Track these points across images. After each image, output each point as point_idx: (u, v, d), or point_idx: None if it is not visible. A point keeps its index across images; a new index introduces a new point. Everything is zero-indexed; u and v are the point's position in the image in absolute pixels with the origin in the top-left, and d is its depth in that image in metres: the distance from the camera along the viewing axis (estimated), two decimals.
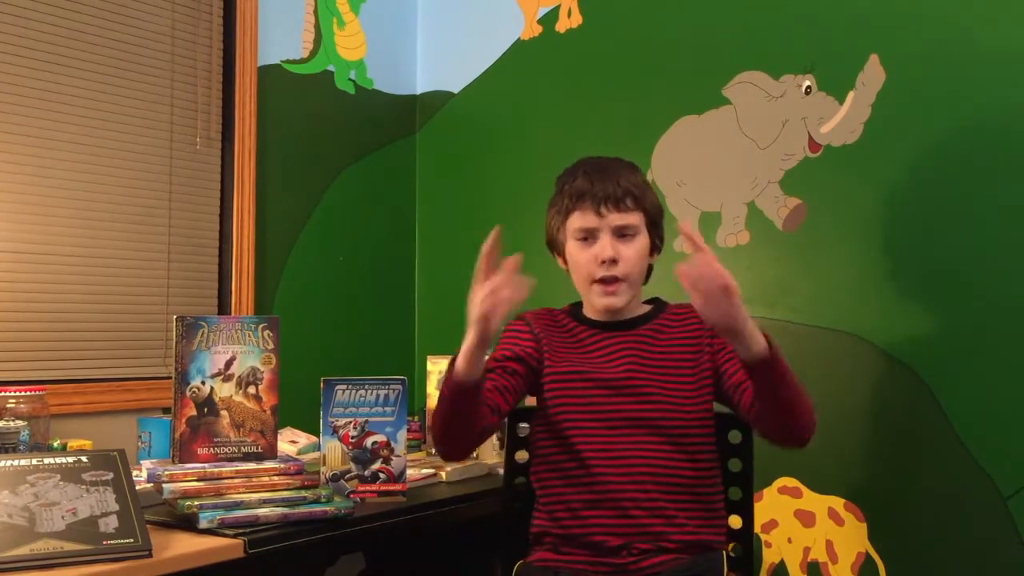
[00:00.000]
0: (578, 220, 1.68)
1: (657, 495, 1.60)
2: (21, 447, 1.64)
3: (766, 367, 1.45)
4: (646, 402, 1.63)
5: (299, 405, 2.09)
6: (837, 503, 2.15)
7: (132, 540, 1.31)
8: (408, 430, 1.95)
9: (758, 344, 1.44)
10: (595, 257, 1.66)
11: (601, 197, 1.65)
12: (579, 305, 1.80)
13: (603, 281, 1.66)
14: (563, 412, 1.67)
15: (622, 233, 1.67)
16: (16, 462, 1.39)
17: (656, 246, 1.74)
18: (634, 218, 1.67)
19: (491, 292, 1.45)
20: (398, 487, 1.75)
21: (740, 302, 1.41)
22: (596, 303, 1.70)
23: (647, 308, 1.76)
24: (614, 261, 1.65)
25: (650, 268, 1.76)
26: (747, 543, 1.84)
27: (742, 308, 1.42)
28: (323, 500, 1.56)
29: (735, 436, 1.81)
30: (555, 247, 1.78)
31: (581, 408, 1.66)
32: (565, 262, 1.76)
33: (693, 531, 1.61)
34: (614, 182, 1.66)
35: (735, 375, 1.62)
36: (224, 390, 1.61)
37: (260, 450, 1.63)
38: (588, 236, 1.68)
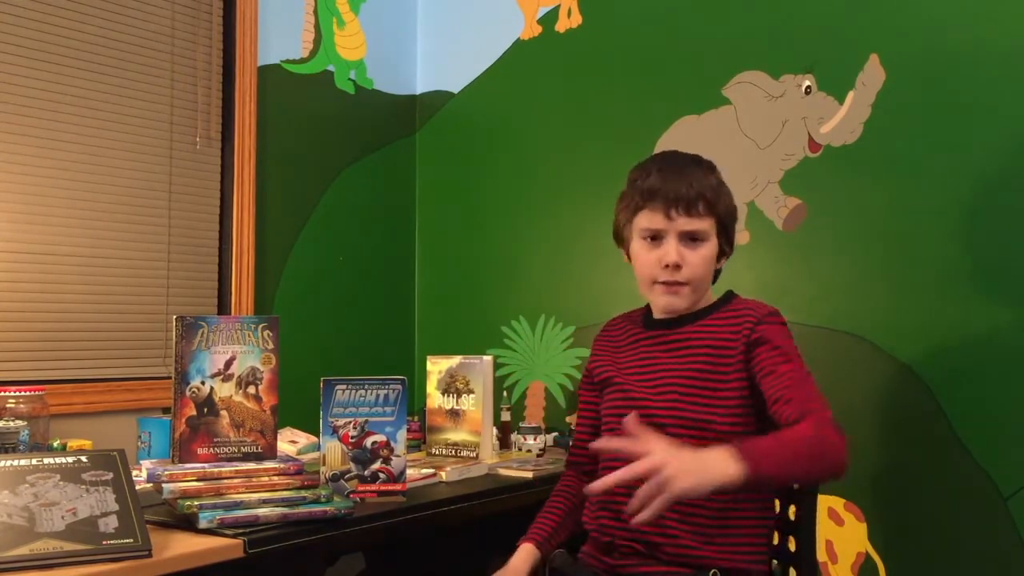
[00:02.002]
0: (646, 219, 1.63)
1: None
2: (21, 447, 1.63)
3: (754, 484, 1.35)
4: (654, 409, 1.60)
5: (299, 405, 2.09)
6: (837, 503, 2.15)
7: (132, 540, 1.31)
8: (408, 430, 1.95)
9: (732, 476, 1.31)
10: (659, 259, 1.62)
11: (673, 199, 1.60)
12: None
13: (665, 284, 1.63)
14: (604, 415, 1.72)
15: (691, 238, 1.62)
16: (16, 462, 1.39)
17: (724, 251, 1.68)
18: (705, 224, 1.61)
19: None
20: (398, 487, 1.74)
21: (686, 479, 1.28)
22: (657, 302, 1.67)
23: (710, 302, 1.70)
24: (678, 267, 1.61)
25: (717, 272, 1.71)
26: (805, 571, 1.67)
27: (692, 477, 1.29)
28: (323, 500, 1.56)
29: None
30: (620, 241, 1.73)
31: (610, 415, 1.68)
32: (629, 258, 1.72)
33: (692, 547, 1.54)
34: (687, 183, 1.60)
35: (769, 396, 1.52)
36: (224, 390, 1.61)
37: (260, 450, 1.63)
38: (655, 237, 1.63)
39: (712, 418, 1.57)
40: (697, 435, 1.56)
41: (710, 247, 1.63)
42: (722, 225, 1.65)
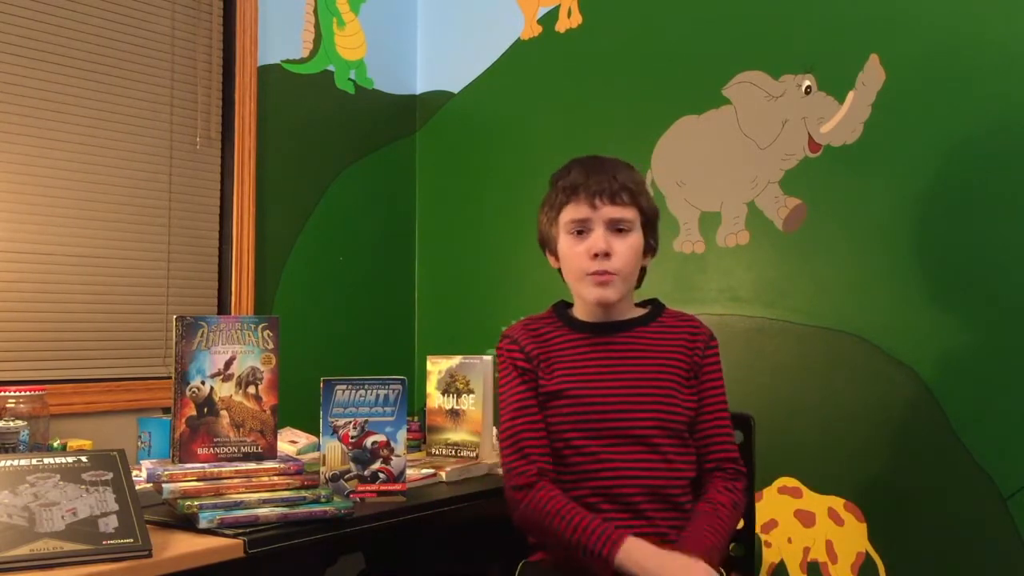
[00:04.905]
0: (571, 212, 1.66)
1: (645, 505, 1.60)
2: (21, 447, 1.63)
3: None
4: (632, 416, 1.61)
5: (299, 405, 2.09)
6: (837, 503, 2.15)
7: (132, 540, 1.31)
8: (408, 430, 1.95)
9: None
10: (588, 250, 1.63)
11: (595, 190, 1.63)
12: (565, 305, 1.78)
13: (595, 274, 1.64)
14: (553, 427, 1.67)
15: (616, 227, 1.64)
16: (16, 462, 1.39)
17: (650, 247, 1.72)
18: (629, 213, 1.64)
19: None
20: (398, 487, 1.74)
21: None
22: (588, 296, 1.66)
23: (642, 311, 1.74)
24: (607, 255, 1.62)
25: (643, 270, 1.74)
26: (748, 543, 1.84)
27: None
28: (323, 500, 1.56)
29: (736, 436, 1.79)
30: (547, 244, 1.75)
31: (569, 424, 1.65)
32: (557, 259, 1.74)
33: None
34: (610, 176, 1.64)
35: (700, 428, 1.67)
36: (224, 390, 1.61)
37: (260, 450, 1.62)
38: (582, 229, 1.65)
39: (680, 424, 1.64)
40: (673, 441, 1.63)
41: (636, 238, 1.66)
42: (646, 219, 1.68)
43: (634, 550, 1.48)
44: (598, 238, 1.63)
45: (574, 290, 1.72)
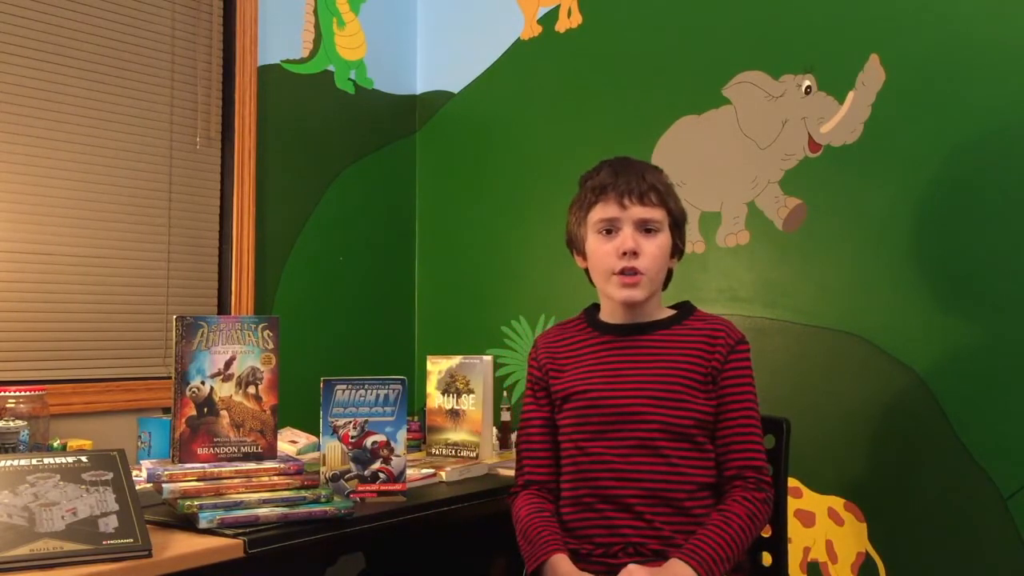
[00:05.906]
0: (600, 211, 1.66)
1: (643, 508, 1.59)
2: (21, 447, 1.64)
3: None
4: (635, 417, 1.61)
5: (299, 405, 2.10)
6: (837, 503, 2.15)
7: (132, 540, 1.31)
8: (408, 430, 1.95)
9: None
10: (616, 249, 1.63)
11: (624, 189, 1.64)
12: (596, 308, 1.78)
13: (623, 273, 1.64)
14: (563, 429, 1.69)
15: (645, 227, 1.64)
16: (16, 462, 1.39)
17: (678, 248, 1.71)
18: (657, 213, 1.65)
19: None
20: (398, 487, 1.75)
21: None
22: (615, 295, 1.66)
23: (670, 312, 1.73)
24: (635, 253, 1.62)
25: (670, 272, 1.73)
26: (778, 552, 1.80)
27: None
28: (323, 500, 1.56)
29: (768, 440, 1.76)
30: (575, 244, 1.75)
31: (576, 424, 1.66)
32: (584, 259, 1.73)
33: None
34: (639, 177, 1.65)
35: (720, 435, 1.64)
36: (224, 390, 1.61)
37: (260, 450, 1.63)
38: (610, 228, 1.65)
39: (689, 428, 1.61)
40: (681, 445, 1.61)
41: (664, 238, 1.67)
42: (674, 220, 1.69)
43: (554, 568, 1.55)
44: (627, 237, 1.63)
45: (601, 291, 1.72)
